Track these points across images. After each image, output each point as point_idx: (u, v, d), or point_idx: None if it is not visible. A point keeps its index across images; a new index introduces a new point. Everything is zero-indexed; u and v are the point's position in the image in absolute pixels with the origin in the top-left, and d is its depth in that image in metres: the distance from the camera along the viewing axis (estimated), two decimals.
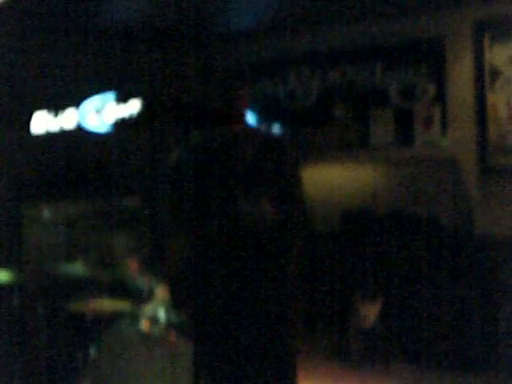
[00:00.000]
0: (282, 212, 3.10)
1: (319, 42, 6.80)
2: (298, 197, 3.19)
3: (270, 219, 3.06)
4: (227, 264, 3.07)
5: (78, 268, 4.97)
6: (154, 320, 4.36)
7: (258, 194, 3.06)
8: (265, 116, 6.82)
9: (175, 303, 3.25)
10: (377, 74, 6.53)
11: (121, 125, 6.57)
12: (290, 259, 3.13)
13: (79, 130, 6.35)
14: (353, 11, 6.22)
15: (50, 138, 6.16)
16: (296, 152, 3.21)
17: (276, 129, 6.71)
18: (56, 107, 6.24)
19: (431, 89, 6.27)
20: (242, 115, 3.18)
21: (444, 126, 6.22)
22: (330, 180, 6.51)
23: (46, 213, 5.57)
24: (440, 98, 6.25)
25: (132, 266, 4.85)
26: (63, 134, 6.24)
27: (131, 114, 6.59)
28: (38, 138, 6.12)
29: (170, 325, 4.30)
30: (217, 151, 3.13)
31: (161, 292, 4.41)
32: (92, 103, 6.48)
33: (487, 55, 6.00)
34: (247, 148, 3.12)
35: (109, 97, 6.58)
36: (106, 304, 4.74)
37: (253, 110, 6.61)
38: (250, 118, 3.15)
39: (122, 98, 6.61)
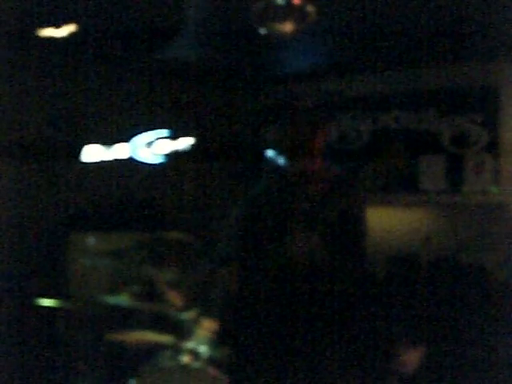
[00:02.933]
0: (337, 252, 3.07)
1: (373, 86, 6.82)
2: (358, 239, 3.16)
3: (322, 257, 3.03)
4: (275, 301, 3.04)
5: (122, 299, 4.94)
6: (195, 354, 4.31)
7: (314, 230, 3.03)
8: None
9: (221, 337, 3.22)
10: (430, 120, 6.51)
11: (172, 159, 6.64)
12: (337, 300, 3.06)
13: (130, 161, 6.44)
14: (408, 57, 6.23)
15: (100, 168, 6.24)
16: (363, 193, 3.22)
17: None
18: (108, 140, 6.32)
19: (484, 136, 6.25)
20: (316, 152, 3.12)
21: (496, 173, 6.19)
22: (378, 223, 6.36)
23: (94, 243, 5.60)
24: (493, 145, 6.22)
25: (175, 298, 4.81)
26: (114, 165, 6.32)
27: (183, 149, 6.68)
28: (89, 168, 6.19)
29: (211, 360, 4.26)
30: (288, 188, 3.12)
31: (204, 326, 4.37)
32: (143, 138, 6.58)
33: None
34: (316, 186, 3.09)
35: (160, 133, 6.67)
36: (148, 336, 4.73)
37: None
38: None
39: (174, 135, 6.71)
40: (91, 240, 5.62)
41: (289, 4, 4.04)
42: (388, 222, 6.52)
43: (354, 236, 3.12)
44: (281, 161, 3.10)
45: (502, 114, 6.22)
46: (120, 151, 6.41)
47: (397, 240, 6.35)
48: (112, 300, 4.96)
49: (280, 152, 3.09)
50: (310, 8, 4.06)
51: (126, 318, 4.94)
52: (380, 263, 6.11)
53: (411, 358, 5.33)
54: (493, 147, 6.22)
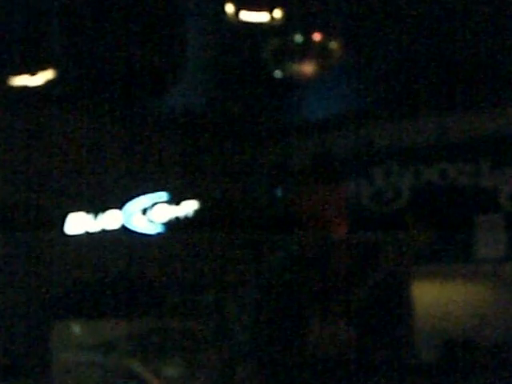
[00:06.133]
0: (368, 340, 2.71)
1: (413, 135, 6.35)
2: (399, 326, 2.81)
3: (348, 346, 2.68)
4: None
5: None
6: None
7: (337, 315, 2.71)
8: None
9: None
10: (483, 173, 6.01)
11: (172, 227, 6.34)
12: None
13: (122, 231, 6.15)
14: (453, 99, 5.83)
15: (86, 241, 5.95)
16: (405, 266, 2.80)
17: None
18: (96, 207, 5.98)
19: None
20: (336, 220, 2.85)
21: None
22: (427, 300, 5.73)
23: (80, 332, 5.38)
24: None
25: None
26: (103, 238, 6.04)
27: (185, 215, 6.40)
28: (73, 241, 5.89)
29: None
30: (309, 261, 2.82)
31: None
32: (138, 203, 6.24)
33: None
34: (339, 259, 2.79)
35: (158, 196, 6.34)
36: None
37: None
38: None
39: (174, 199, 6.39)
40: (76, 329, 5.39)
41: (308, 41, 3.87)
42: (438, 299, 6.05)
43: (395, 323, 2.82)
44: (296, 230, 2.89)
45: None
46: (110, 220, 6.10)
47: (450, 320, 5.86)
48: None
49: (294, 219, 2.91)
50: (333, 45, 3.86)
51: None
52: (431, 348, 5.55)
53: None
54: None
